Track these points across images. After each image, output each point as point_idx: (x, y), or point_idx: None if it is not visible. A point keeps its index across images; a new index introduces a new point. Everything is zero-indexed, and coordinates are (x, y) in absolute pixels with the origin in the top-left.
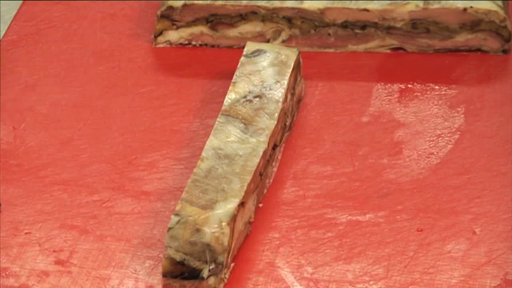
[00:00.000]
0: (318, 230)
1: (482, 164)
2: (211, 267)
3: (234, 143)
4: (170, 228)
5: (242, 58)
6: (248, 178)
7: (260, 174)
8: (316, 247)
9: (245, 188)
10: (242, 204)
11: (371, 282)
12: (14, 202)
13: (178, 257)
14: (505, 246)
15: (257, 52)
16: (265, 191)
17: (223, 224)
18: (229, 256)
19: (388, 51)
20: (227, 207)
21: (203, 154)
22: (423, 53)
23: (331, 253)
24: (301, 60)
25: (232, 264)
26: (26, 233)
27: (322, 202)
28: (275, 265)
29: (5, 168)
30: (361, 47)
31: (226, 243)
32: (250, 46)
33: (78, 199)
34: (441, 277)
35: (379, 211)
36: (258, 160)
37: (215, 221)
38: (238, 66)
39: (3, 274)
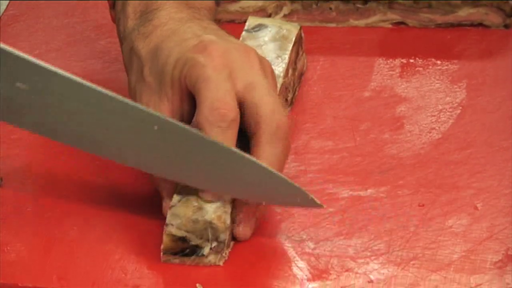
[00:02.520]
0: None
1: (483, 139)
2: (212, 245)
3: None
4: (172, 206)
5: (244, 33)
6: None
7: None
8: (317, 222)
9: None
10: None
11: (373, 257)
12: (14, 177)
13: (179, 234)
14: (506, 221)
15: (259, 27)
16: None
17: (228, 202)
18: (231, 234)
19: (390, 25)
20: None
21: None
22: (425, 28)
23: (332, 228)
24: (302, 35)
25: (232, 243)
26: (27, 208)
27: (323, 177)
28: (276, 240)
29: (6, 143)
30: (362, 22)
31: (228, 222)
32: (251, 21)
33: (79, 175)
34: (443, 252)
35: (381, 186)
36: None
37: (217, 198)
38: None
39: (4, 249)
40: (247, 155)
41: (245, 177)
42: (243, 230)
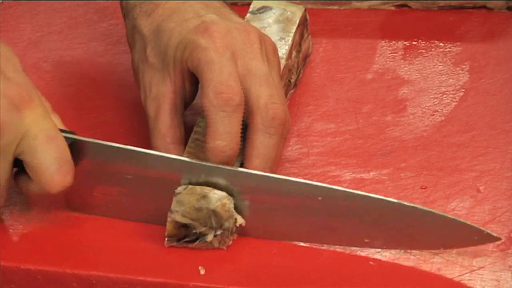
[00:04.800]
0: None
1: (486, 122)
2: (217, 233)
3: None
4: (177, 193)
5: (248, 15)
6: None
7: None
8: None
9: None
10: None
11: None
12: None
13: (183, 221)
14: (509, 203)
15: (263, 9)
16: None
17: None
18: (236, 222)
19: (393, 8)
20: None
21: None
22: (428, 10)
23: None
24: (308, 17)
25: (236, 234)
26: None
27: (325, 159)
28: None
29: None
30: (365, 4)
31: (232, 209)
32: (256, 3)
33: None
34: None
35: (383, 168)
36: None
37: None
38: None
39: (8, 231)
40: (424, 208)
41: (427, 229)
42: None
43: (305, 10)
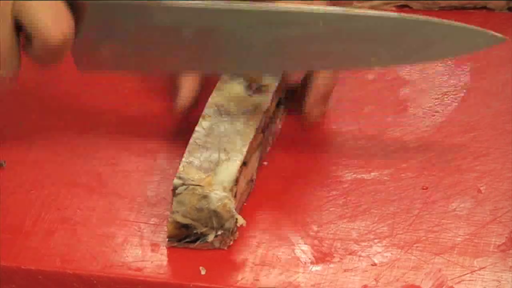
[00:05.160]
0: (322, 188)
1: (487, 122)
2: (218, 233)
3: (236, 100)
4: (178, 194)
5: None
6: (250, 136)
7: (263, 132)
8: (321, 205)
9: (247, 147)
10: (244, 164)
11: (376, 240)
12: (17, 160)
13: (184, 222)
14: (510, 204)
15: None
16: (269, 148)
17: (229, 190)
18: (236, 222)
19: (394, 8)
20: (229, 169)
21: (205, 111)
22: (429, 11)
23: (336, 211)
24: None
25: (237, 234)
26: (30, 191)
27: (326, 160)
28: (280, 223)
29: (8, 126)
30: (366, 5)
31: (233, 210)
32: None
33: (82, 157)
34: (446, 235)
35: (384, 169)
36: (260, 118)
37: (221, 187)
38: None
39: (8, 231)
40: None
41: (431, 39)
42: (313, 112)
43: None
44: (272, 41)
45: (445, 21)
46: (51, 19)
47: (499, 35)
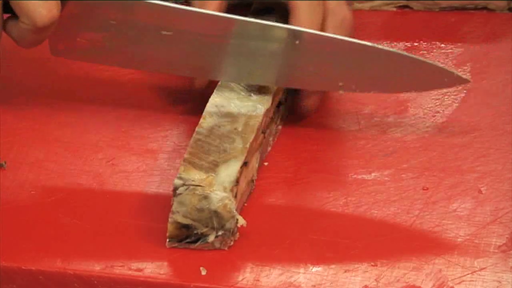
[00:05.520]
0: (323, 189)
1: (488, 123)
2: (218, 234)
3: (237, 101)
4: (178, 194)
5: (249, 16)
6: (251, 137)
7: (263, 132)
8: (322, 205)
9: (247, 148)
10: (245, 164)
11: (376, 241)
12: (17, 160)
13: (185, 222)
14: (510, 204)
15: (264, 11)
16: (269, 149)
17: (229, 190)
18: (237, 223)
19: (394, 9)
20: (230, 170)
21: (205, 111)
22: (429, 11)
23: (336, 212)
24: None
25: (238, 234)
26: (30, 191)
27: (327, 161)
28: (281, 224)
29: (8, 127)
30: (366, 5)
31: (234, 210)
32: (257, 5)
33: (83, 158)
34: (447, 236)
35: (385, 169)
36: (260, 119)
37: (222, 188)
38: None
39: (8, 231)
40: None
41: (398, 71)
42: (307, 103)
43: None
44: (247, 52)
45: (417, 57)
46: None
47: (464, 77)
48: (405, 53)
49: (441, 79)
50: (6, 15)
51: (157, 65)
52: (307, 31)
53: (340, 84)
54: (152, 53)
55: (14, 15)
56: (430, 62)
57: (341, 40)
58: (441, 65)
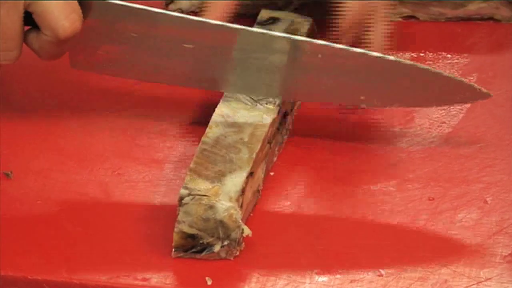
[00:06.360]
0: (328, 199)
1: (493, 133)
2: (224, 243)
3: (244, 111)
4: (184, 204)
5: (255, 26)
6: (257, 147)
7: (269, 142)
8: (327, 215)
9: (253, 158)
10: (251, 174)
11: (382, 251)
12: (23, 170)
13: (190, 232)
14: None
15: (271, 20)
16: (275, 159)
17: (235, 200)
18: (242, 233)
19: (400, 19)
20: (236, 180)
21: (212, 121)
22: (435, 22)
23: (342, 222)
24: (315, 28)
25: (243, 244)
26: (36, 201)
27: (333, 171)
28: (286, 233)
29: (15, 136)
30: None
31: (239, 220)
32: (264, 14)
33: (89, 167)
34: (452, 246)
35: (391, 179)
36: (266, 129)
37: (227, 197)
38: None
39: (14, 241)
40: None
41: (421, 85)
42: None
43: (313, 21)
44: (268, 65)
45: (439, 71)
46: (63, 12)
47: (486, 91)
48: (426, 67)
49: (463, 93)
50: (26, 27)
51: (177, 78)
52: (330, 45)
53: (362, 98)
54: (173, 66)
55: (35, 27)
56: (452, 76)
57: (363, 53)
58: (464, 80)
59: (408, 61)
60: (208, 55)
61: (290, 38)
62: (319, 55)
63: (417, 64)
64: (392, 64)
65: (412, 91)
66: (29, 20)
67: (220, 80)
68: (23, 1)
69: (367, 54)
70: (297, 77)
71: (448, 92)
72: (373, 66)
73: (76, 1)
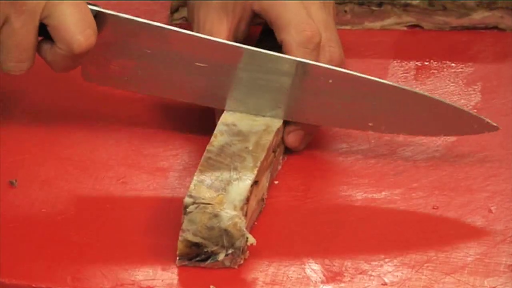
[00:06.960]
0: (333, 207)
1: (498, 142)
2: (228, 252)
3: (248, 120)
4: (189, 212)
5: (262, 33)
6: (261, 156)
7: (274, 151)
8: (331, 224)
9: (258, 167)
10: (255, 183)
11: (386, 260)
12: (28, 179)
13: (195, 240)
14: None
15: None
16: (279, 168)
17: (240, 208)
18: (247, 241)
19: (405, 28)
20: (240, 188)
21: (217, 130)
22: (440, 31)
23: (346, 231)
24: None
25: (248, 253)
26: (41, 210)
27: (337, 179)
28: (290, 242)
29: (19, 145)
30: (377, 24)
31: (244, 229)
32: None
33: (93, 176)
34: (457, 255)
35: (395, 188)
36: (271, 138)
37: (232, 206)
38: (256, 42)
39: (19, 249)
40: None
41: (430, 115)
42: (292, 138)
43: None
44: (280, 88)
45: (448, 102)
46: (79, 27)
47: (494, 124)
48: (436, 97)
49: (470, 125)
50: (39, 37)
51: (186, 94)
52: (341, 70)
53: (370, 124)
54: (184, 83)
55: (47, 38)
56: (462, 108)
57: (373, 81)
58: (472, 112)
59: (418, 91)
60: (219, 74)
61: (303, 62)
62: (330, 81)
63: (427, 94)
64: (402, 92)
65: (421, 120)
66: (43, 31)
67: (230, 99)
68: (39, 13)
69: (378, 82)
70: (307, 101)
71: (456, 123)
72: (384, 94)
73: (91, 16)
